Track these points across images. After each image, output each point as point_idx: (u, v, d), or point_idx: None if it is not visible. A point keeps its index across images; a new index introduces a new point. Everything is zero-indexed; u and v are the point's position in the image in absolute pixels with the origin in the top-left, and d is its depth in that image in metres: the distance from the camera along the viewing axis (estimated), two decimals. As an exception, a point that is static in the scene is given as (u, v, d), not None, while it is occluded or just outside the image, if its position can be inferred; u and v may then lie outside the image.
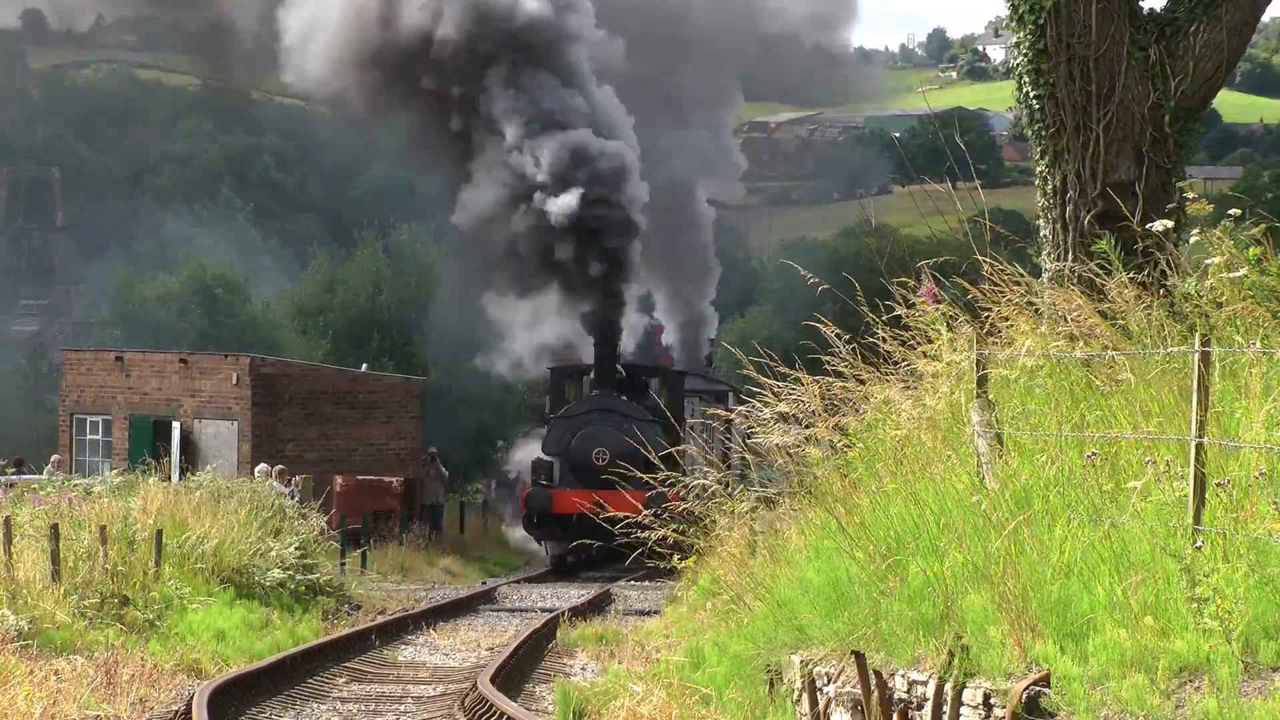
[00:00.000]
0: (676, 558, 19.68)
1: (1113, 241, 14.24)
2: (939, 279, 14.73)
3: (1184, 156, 15.56)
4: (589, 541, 41.94)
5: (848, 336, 14.80)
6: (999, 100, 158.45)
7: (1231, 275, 12.55)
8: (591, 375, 45.76)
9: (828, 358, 14.90)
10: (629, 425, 42.54)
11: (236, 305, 73.55)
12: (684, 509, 19.22)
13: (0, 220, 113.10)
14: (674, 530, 18.90)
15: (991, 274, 14.14)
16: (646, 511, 18.94)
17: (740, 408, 16.54)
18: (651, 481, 19.00)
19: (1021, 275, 14.34)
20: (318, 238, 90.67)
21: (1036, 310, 14.20)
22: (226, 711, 17.74)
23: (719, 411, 18.85)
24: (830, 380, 14.93)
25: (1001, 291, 14.11)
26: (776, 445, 15.40)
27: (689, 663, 16.83)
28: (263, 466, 37.00)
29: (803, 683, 13.38)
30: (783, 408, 14.99)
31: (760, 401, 15.40)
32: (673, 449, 20.63)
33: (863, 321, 14.85)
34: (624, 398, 44.84)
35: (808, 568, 14.67)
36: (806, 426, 15.01)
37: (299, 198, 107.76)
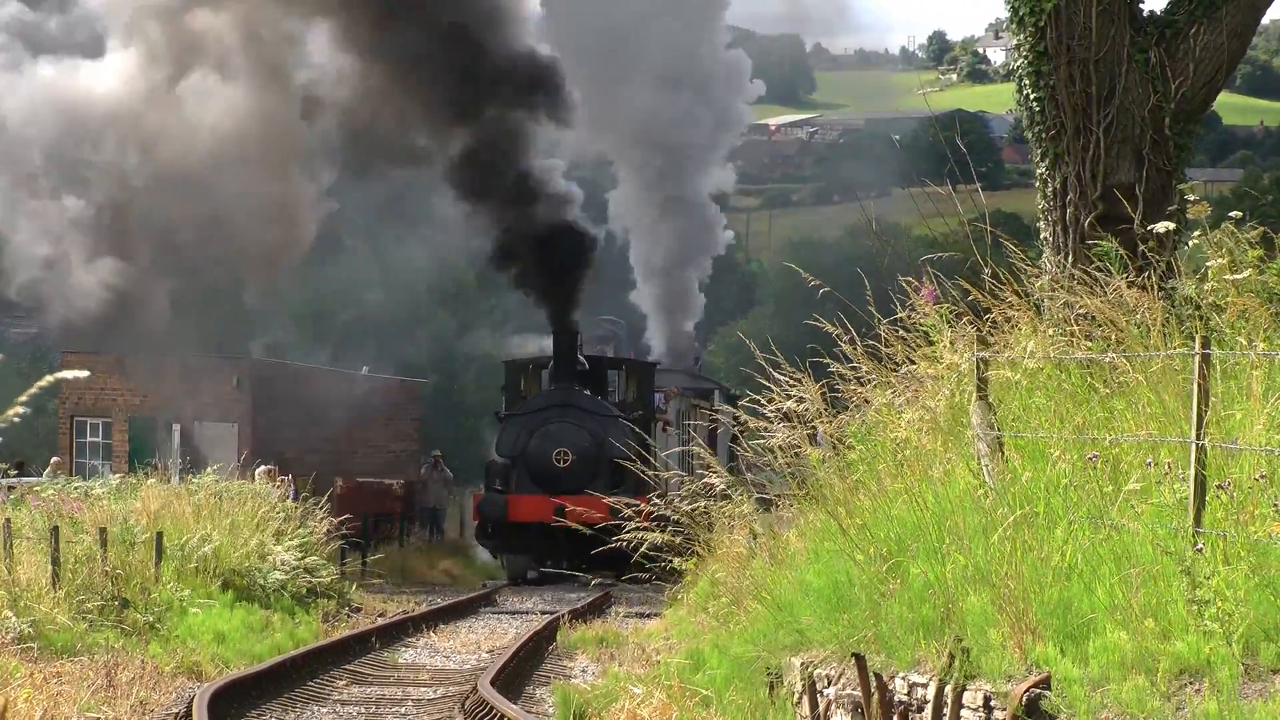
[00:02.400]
0: (677, 560, 19.62)
1: (1113, 244, 14.24)
2: (940, 279, 14.72)
3: (1184, 159, 15.56)
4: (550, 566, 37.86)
5: (849, 336, 14.78)
6: (999, 102, 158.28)
7: (1235, 278, 12.55)
8: (550, 368, 40.60)
9: (829, 361, 14.89)
10: (593, 422, 38.63)
11: (240, 305, 73.53)
12: (678, 511, 19.00)
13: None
14: (664, 534, 18.71)
15: (993, 274, 14.14)
16: (640, 518, 18.67)
17: (727, 406, 16.49)
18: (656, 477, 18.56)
19: (1027, 269, 14.34)
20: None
21: (1038, 308, 14.20)
22: (227, 714, 17.73)
23: (725, 410, 18.69)
24: (833, 377, 14.92)
25: (1002, 296, 14.11)
26: (777, 446, 15.38)
27: (689, 665, 16.83)
28: (261, 468, 37.00)
29: (803, 685, 13.38)
30: (789, 405, 14.96)
31: (763, 400, 15.38)
32: (678, 450, 20.34)
33: (864, 324, 14.84)
34: (587, 392, 39.93)
35: (808, 570, 14.67)
36: (810, 425, 14.99)
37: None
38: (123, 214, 41.40)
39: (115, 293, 41.25)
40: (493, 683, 19.52)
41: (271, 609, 26.82)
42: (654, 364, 45.55)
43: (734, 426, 16.59)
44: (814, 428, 15.12)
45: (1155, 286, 13.16)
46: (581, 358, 40.40)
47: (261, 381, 47.32)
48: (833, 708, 12.65)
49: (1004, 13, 15.78)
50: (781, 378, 15.10)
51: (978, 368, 13.22)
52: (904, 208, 21.51)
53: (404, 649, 25.61)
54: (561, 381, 39.66)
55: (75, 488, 28.88)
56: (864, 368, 14.76)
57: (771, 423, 15.21)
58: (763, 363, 15.23)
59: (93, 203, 41.25)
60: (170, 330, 42.26)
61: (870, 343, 14.77)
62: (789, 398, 14.99)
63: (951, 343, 14.37)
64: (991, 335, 13.93)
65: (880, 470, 14.27)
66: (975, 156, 16.53)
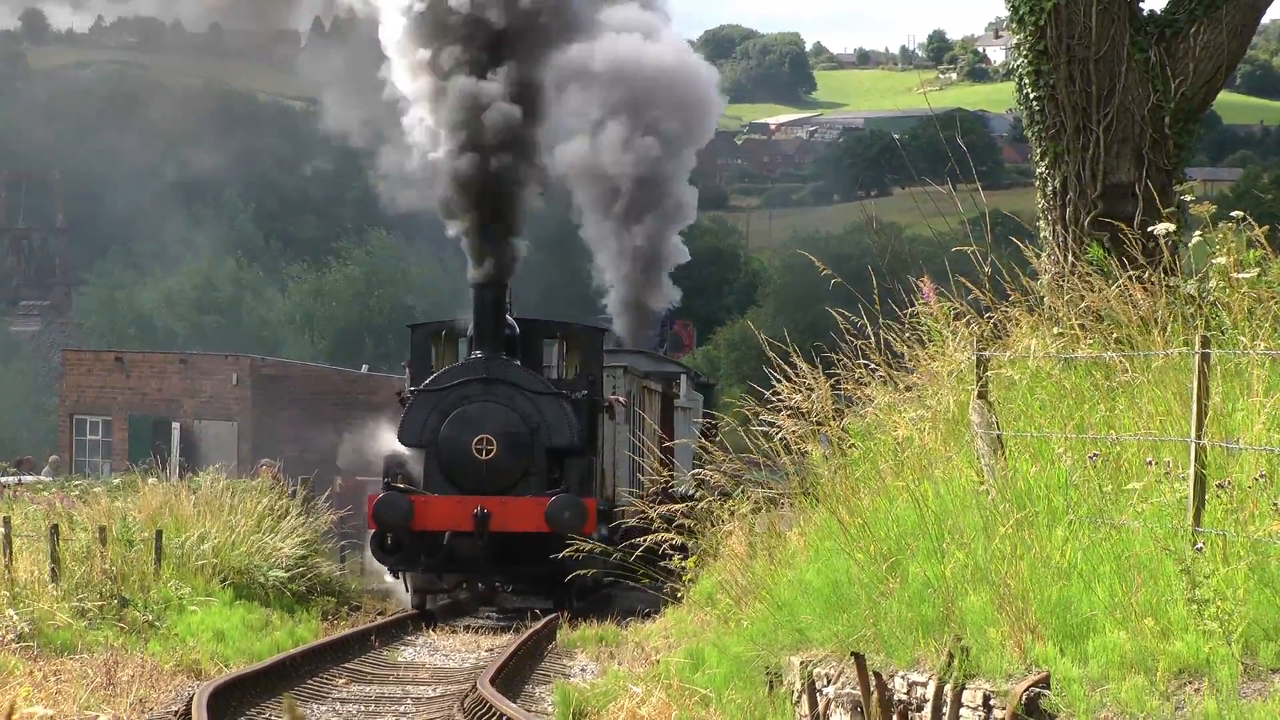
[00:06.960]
0: (676, 559, 19.54)
1: (1112, 243, 14.25)
2: (942, 276, 14.72)
3: (1184, 158, 15.58)
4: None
5: (854, 332, 14.78)
6: (999, 101, 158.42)
7: (1243, 275, 12.55)
8: (470, 333, 30.88)
9: (834, 356, 14.88)
10: (525, 402, 29.80)
11: (245, 307, 73.86)
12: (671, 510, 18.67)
13: (0, 221, 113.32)
14: (664, 534, 18.45)
15: (994, 273, 14.15)
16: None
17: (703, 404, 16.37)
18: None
19: (1026, 270, 14.35)
20: (316, 241, 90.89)
21: (1040, 301, 14.21)
22: (226, 712, 17.72)
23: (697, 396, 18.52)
24: (838, 374, 14.92)
25: (1004, 294, 14.11)
26: (780, 441, 15.36)
27: (689, 664, 16.82)
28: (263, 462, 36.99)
29: (802, 684, 13.38)
30: (798, 399, 14.93)
31: (770, 396, 15.35)
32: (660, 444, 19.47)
33: (871, 318, 14.84)
34: (517, 363, 30.57)
35: (807, 569, 14.68)
36: (816, 423, 14.97)
37: (299, 199, 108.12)
38: None
39: None
40: (492, 681, 19.51)
41: (271, 607, 26.82)
42: (603, 330, 36.69)
43: (703, 422, 16.36)
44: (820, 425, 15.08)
45: (1160, 284, 13.16)
46: (511, 320, 31.37)
47: (262, 380, 47.35)
48: (832, 707, 12.65)
49: (1004, 12, 15.79)
50: (776, 385, 15.07)
51: (978, 366, 13.22)
52: (904, 206, 21.51)
53: (404, 647, 25.62)
54: (484, 349, 30.36)
55: (74, 485, 28.89)
56: (873, 361, 14.71)
57: (776, 415, 15.16)
58: (765, 367, 15.21)
59: None
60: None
61: (874, 339, 14.76)
62: (799, 391, 14.96)
63: (955, 337, 14.36)
64: (994, 334, 13.93)
65: (881, 468, 14.27)
66: (975, 155, 16.53)
